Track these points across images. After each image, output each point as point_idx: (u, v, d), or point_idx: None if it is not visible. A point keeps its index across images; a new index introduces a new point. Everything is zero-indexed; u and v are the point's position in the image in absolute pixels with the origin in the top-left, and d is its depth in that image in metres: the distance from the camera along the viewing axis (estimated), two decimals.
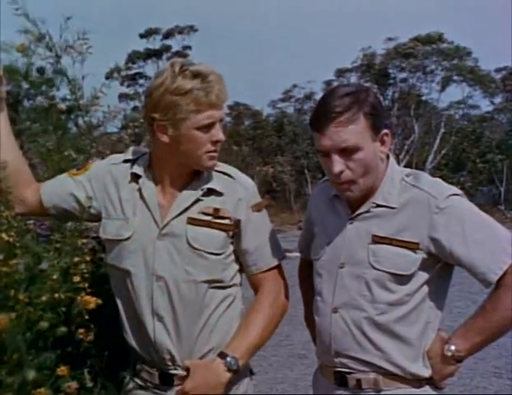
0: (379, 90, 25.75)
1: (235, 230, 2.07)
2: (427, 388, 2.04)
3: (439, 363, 2.01)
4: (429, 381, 2.04)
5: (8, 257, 1.71)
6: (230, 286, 2.08)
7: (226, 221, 2.05)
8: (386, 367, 2.01)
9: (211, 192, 2.07)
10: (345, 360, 2.05)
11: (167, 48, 34.91)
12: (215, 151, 2.02)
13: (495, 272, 1.92)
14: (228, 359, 1.99)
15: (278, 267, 2.17)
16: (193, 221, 2.04)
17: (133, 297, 2.05)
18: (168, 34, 34.53)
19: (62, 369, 1.73)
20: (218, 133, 1.99)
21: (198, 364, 2.02)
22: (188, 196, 2.06)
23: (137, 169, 2.10)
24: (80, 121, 2.95)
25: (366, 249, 2.01)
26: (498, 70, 29.89)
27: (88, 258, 2.02)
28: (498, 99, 30.60)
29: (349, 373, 2.06)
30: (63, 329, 1.82)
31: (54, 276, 1.83)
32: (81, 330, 1.90)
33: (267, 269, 2.13)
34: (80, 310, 1.90)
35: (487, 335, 1.96)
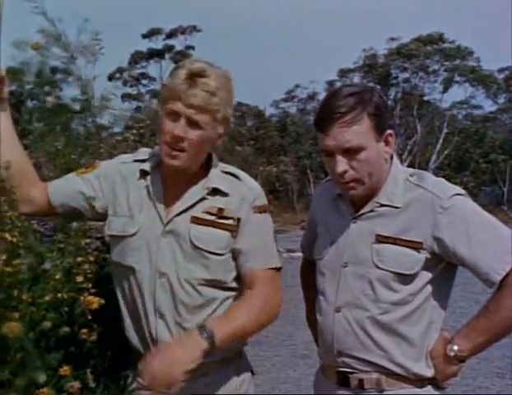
0: (381, 90, 25.73)
1: (237, 230, 2.07)
2: (430, 388, 2.04)
3: (442, 363, 2.00)
4: (431, 381, 2.03)
5: (12, 257, 1.71)
6: (231, 288, 2.08)
7: (230, 221, 2.04)
8: (389, 367, 2.01)
9: (216, 192, 2.06)
10: (347, 360, 2.05)
11: (170, 48, 34.95)
12: (172, 147, 1.99)
13: (499, 272, 1.91)
14: (206, 330, 1.91)
15: (272, 273, 2.09)
16: (196, 220, 2.04)
17: (136, 294, 2.05)
18: (171, 34, 34.56)
19: (65, 369, 1.73)
20: (178, 128, 1.97)
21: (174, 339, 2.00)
22: (193, 194, 2.06)
23: (146, 167, 2.12)
24: (89, 121, 2.96)
25: (370, 249, 2.02)
26: (501, 70, 29.87)
27: (91, 258, 2.02)
28: (501, 100, 30.57)
29: (351, 373, 2.06)
30: (66, 329, 1.82)
31: (57, 276, 1.83)
32: (83, 330, 1.90)
33: (258, 269, 2.07)
34: (83, 310, 1.90)
35: (490, 335, 1.95)
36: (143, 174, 2.12)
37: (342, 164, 1.95)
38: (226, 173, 2.11)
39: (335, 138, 1.94)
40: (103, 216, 2.12)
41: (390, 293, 2.00)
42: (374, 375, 2.02)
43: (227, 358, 2.09)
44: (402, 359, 2.00)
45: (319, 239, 2.18)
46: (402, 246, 1.98)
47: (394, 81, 28.62)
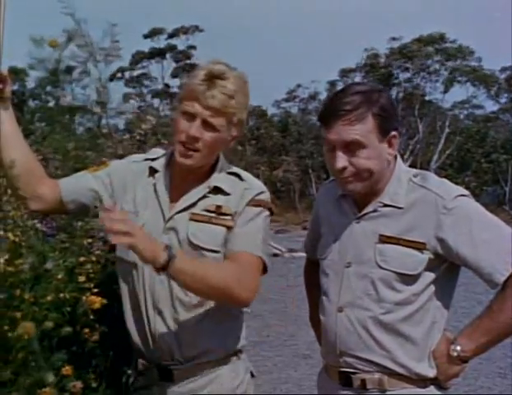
0: None
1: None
2: (432, 388, 2.04)
3: (445, 363, 2.00)
4: (434, 381, 2.03)
5: (14, 256, 1.71)
6: None
7: (228, 218, 2.04)
8: (391, 367, 2.01)
9: (218, 191, 2.07)
10: (350, 360, 2.05)
11: (172, 48, 34.97)
12: (187, 147, 2.00)
13: (502, 273, 1.91)
14: (172, 250, 1.83)
15: (253, 259, 2.01)
16: (194, 217, 2.05)
17: (138, 290, 2.06)
18: (173, 34, 34.59)
19: (67, 369, 1.73)
20: (193, 129, 1.98)
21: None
22: (195, 193, 2.07)
23: (156, 165, 2.15)
24: (103, 122, 2.98)
25: (373, 249, 2.02)
26: (503, 69, 29.85)
27: (94, 258, 2.02)
28: (503, 99, 30.56)
29: (354, 373, 2.06)
30: (68, 329, 1.82)
31: (59, 276, 1.83)
32: (86, 330, 1.90)
33: (239, 251, 2.01)
34: (85, 310, 1.90)
35: (493, 335, 1.95)
36: (152, 171, 2.14)
37: (341, 159, 1.97)
38: (230, 173, 2.12)
39: (337, 133, 1.96)
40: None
41: (393, 293, 2.00)
42: (377, 375, 2.02)
43: (223, 359, 2.09)
44: (404, 359, 2.00)
45: (323, 239, 2.19)
46: (406, 246, 1.98)
47: (396, 81, 28.61)
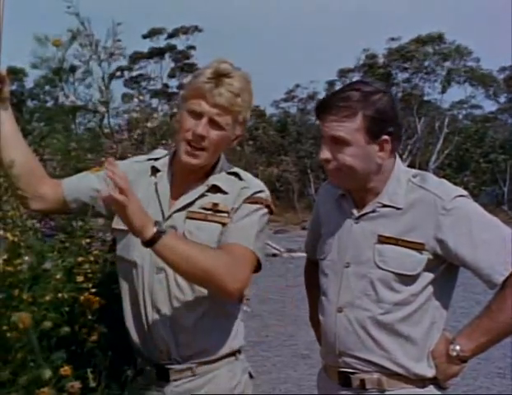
0: None
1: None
2: (431, 388, 2.04)
3: (444, 363, 2.01)
4: (433, 381, 2.04)
5: (13, 256, 1.71)
6: None
7: (224, 215, 2.04)
8: (390, 367, 2.01)
9: (216, 189, 2.07)
10: (349, 360, 2.05)
11: (171, 48, 34.97)
12: (193, 145, 2.01)
13: (501, 273, 1.91)
14: (161, 226, 1.84)
15: (245, 251, 1.98)
16: (191, 215, 2.05)
17: (137, 289, 2.07)
18: (173, 34, 34.60)
19: (66, 369, 1.73)
20: (200, 127, 1.98)
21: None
22: (194, 192, 2.08)
23: (158, 165, 2.16)
24: (104, 122, 2.98)
25: (372, 249, 2.02)
26: (501, 69, 29.88)
27: (92, 258, 2.02)
28: (502, 99, 30.59)
29: (353, 373, 2.06)
30: (67, 329, 1.82)
31: (58, 276, 1.83)
32: (84, 330, 1.90)
33: (231, 243, 1.98)
34: (83, 310, 1.90)
35: (493, 335, 1.95)
36: (154, 171, 2.15)
37: (325, 151, 2.02)
38: (230, 173, 2.12)
39: (327, 126, 2.00)
40: (115, 213, 2.13)
41: (392, 293, 2.00)
42: (376, 375, 2.03)
43: (220, 359, 2.09)
44: (403, 359, 2.00)
45: (322, 239, 2.19)
46: (404, 247, 1.98)
47: (395, 81, 28.63)
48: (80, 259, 1.98)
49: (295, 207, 26.76)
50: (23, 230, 1.82)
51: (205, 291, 2.02)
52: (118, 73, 34.12)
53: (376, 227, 2.03)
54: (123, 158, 2.55)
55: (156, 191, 2.11)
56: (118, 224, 2.11)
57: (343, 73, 30.47)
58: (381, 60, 29.42)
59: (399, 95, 28.01)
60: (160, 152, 2.24)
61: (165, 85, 35.53)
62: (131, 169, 2.15)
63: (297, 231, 20.98)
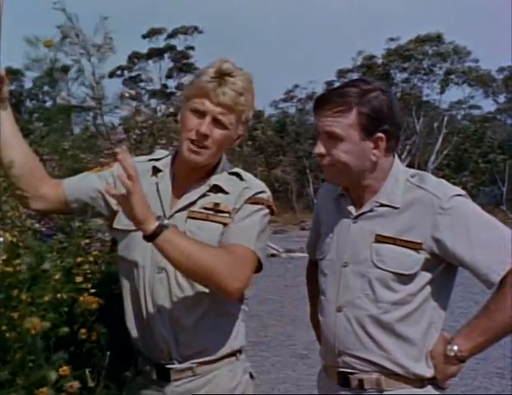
0: None
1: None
2: (430, 388, 2.04)
3: (442, 363, 2.01)
4: (431, 381, 2.04)
5: (12, 257, 1.71)
6: None
7: (225, 215, 2.05)
8: (389, 367, 2.01)
9: (218, 189, 2.08)
10: (348, 359, 2.05)
11: (171, 48, 34.96)
12: (196, 144, 2.01)
13: (498, 273, 1.92)
14: (164, 220, 1.86)
15: (246, 251, 1.99)
16: (192, 214, 2.05)
17: (139, 288, 2.07)
18: (172, 35, 34.60)
19: (65, 369, 1.73)
20: (204, 126, 1.99)
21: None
22: (196, 192, 2.08)
23: (160, 165, 2.16)
24: (97, 121, 2.97)
25: (370, 248, 2.02)
26: (500, 70, 29.90)
27: (91, 259, 2.02)
28: (501, 99, 30.61)
29: (352, 373, 2.06)
30: (65, 329, 1.82)
31: (57, 277, 1.83)
32: (83, 330, 1.90)
33: (233, 243, 1.99)
34: (82, 310, 1.90)
35: (491, 335, 1.95)
36: (156, 171, 2.15)
37: (320, 146, 2.03)
38: (231, 173, 2.12)
39: (322, 121, 2.01)
40: (115, 213, 2.13)
41: (390, 293, 2.00)
42: (374, 375, 2.03)
43: (221, 359, 2.09)
44: (402, 359, 2.00)
45: (321, 239, 2.19)
46: (402, 246, 1.98)
47: (393, 82, 28.64)
48: (79, 260, 1.98)
49: (293, 208, 26.78)
50: (22, 230, 1.82)
51: (206, 291, 2.02)
52: (119, 72, 34.17)
53: (374, 226, 2.03)
54: None
55: (158, 191, 2.11)
56: (119, 224, 2.11)
57: (342, 74, 30.48)
58: (380, 61, 29.43)
59: (398, 95, 28.02)
60: (161, 153, 2.25)
61: (164, 86, 35.52)
62: None
63: (296, 231, 21.00)
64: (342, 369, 2.08)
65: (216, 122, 2.00)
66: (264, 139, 29.55)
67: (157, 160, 2.19)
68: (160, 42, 35.26)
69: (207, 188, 2.08)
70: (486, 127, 30.36)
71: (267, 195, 2.10)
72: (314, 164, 26.87)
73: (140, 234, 1.92)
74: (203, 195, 2.07)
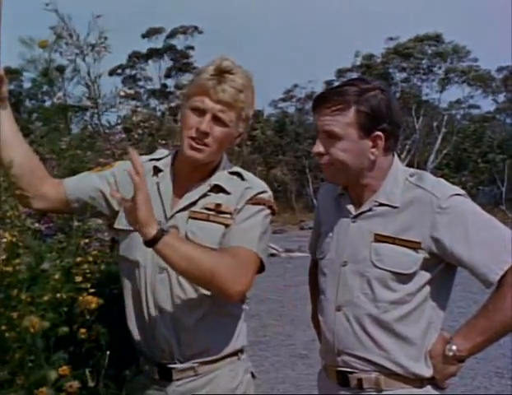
0: None
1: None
2: (429, 388, 2.04)
3: (441, 363, 2.01)
4: (431, 381, 2.04)
5: (11, 256, 1.71)
6: None
7: (226, 216, 2.05)
8: (388, 366, 2.01)
9: (219, 189, 2.08)
10: (347, 359, 2.06)
11: (170, 47, 34.95)
12: (196, 142, 2.01)
13: (496, 272, 1.91)
14: (164, 226, 1.88)
15: (248, 253, 1.99)
16: (193, 215, 2.05)
17: (140, 288, 2.07)
18: (172, 34, 34.59)
19: (64, 369, 1.73)
20: (204, 124, 1.99)
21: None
22: (196, 192, 2.08)
23: (160, 164, 2.16)
24: (94, 120, 2.97)
25: (369, 248, 2.02)
26: (500, 69, 29.91)
27: (90, 258, 2.02)
28: (500, 99, 30.62)
29: (351, 372, 2.06)
30: (65, 329, 1.82)
31: (56, 276, 1.83)
32: (82, 330, 1.90)
33: (235, 246, 1.99)
34: (82, 310, 1.90)
35: (490, 335, 1.95)
36: (156, 171, 2.15)
37: (318, 145, 2.04)
38: (232, 173, 2.12)
39: (320, 120, 2.02)
40: (116, 213, 2.13)
41: (388, 292, 2.00)
42: (373, 375, 2.03)
43: (222, 359, 2.09)
44: (401, 358, 2.00)
45: (321, 238, 2.19)
46: (401, 245, 1.99)
47: (393, 81, 28.64)
48: (78, 259, 1.98)
49: (293, 207, 26.77)
50: (21, 229, 1.82)
51: (207, 291, 2.02)
52: (119, 71, 34.16)
53: (373, 226, 2.04)
54: (120, 159, 2.55)
55: (159, 191, 2.11)
56: (120, 224, 2.11)
57: (341, 73, 30.48)
58: (379, 60, 29.43)
59: (397, 94, 28.02)
60: (162, 152, 2.25)
61: (164, 85, 35.50)
62: None
63: (295, 231, 21.00)
64: (341, 369, 2.08)
65: (217, 119, 2.00)
66: (263, 139, 29.53)
67: (158, 159, 2.19)
68: (159, 42, 35.29)
69: (208, 187, 2.08)
70: (486, 126, 30.36)
71: (269, 195, 2.10)
72: (313, 164, 26.87)
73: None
74: (204, 195, 2.07)
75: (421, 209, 1.98)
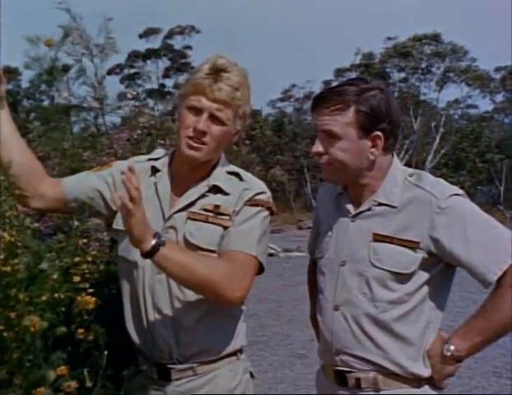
0: None
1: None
2: (427, 388, 2.04)
3: (439, 363, 2.01)
4: (429, 381, 2.04)
5: (10, 256, 1.70)
6: None
7: (225, 218, 2.04)
8: (386, 366, 2.01)
9: (217, 190, 2.08)
10: (345, 358, 2.06)
11: (167, 47, 34.92)
12: (194, 141, 2.01)
13: (495, 272, 1.92)
14: (161, 237, 1.85)
15: (246, 258, 1.99)
16: (192, 215, 2.05)
17: (138, 289, 2.07)
18: (170, 34, 34.59)
19: (62, 369, 1.73)
20: (201, 123, 1.99)
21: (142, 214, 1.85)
22: (195, 192, 2.08)
23: (158, 164, 2.16)
24: (99, 120, 2.97)
25: (367, 247, 2.02)
26: (498, 69, 29.93)
27: (89, 258, 2.02)
28: (498, 99, 30.64)
29: (349, 372, 2.06)
30: (63, 329, 1.81)
31: (55, 276, 1.82)
32: (80, 330, 1.90)
33: (233, 250, 1.99)
34: (80, 310, 1.90)
35: (488, 335, 1.95)
36: (154, 171, 2.15)
37: (317, 145, 2.03)
38: (231, 173, 2.12)
39: (319, 120, 2.02)
40: (114, 213, 2.13)
41: (387, 292, 2.00)
42: (371, 374, 2.03)
43: (221, 358, 2.10)
44: (399, 358, 2.01)
45: (320, 237, 2.19)
46: (399, 245, 1.99)
47: (391, 81, 28.65)
48: (77, 259, 1.97)
49: (291, 207, 26.76)
50: (20, 229, 1.82)
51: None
52: (118, 70, 34.14)
53: (372, 225, 2.04)
54: (122, 158, 2.55)
55: (156, 191, 2.11)
56: (118, 224, 2.11)
57: (340, 73, 30.47)
58: (378, 59, 29.43)
59: (396, 94, 28.01)
60: (160, 152, 2.25)
61: (162, 85, 35.49)
62: None
63: (293, 231, 20.99)
64: (339, 368, 2.08)
65: (214, 118, 2.00)
66: (262, 138, 29.52)
67: (156, 159, 2.19)
68: (157, 41, 35.26)
69: (207, 188, 2.07)
70: (484, 126, 30.37)
71: (267, 196, 2.10)
72: (311, 164, 26.86)
73: None
74: (203, 195, 2.07)
75: (419, 209, 1.98)
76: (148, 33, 34.99)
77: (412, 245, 1.98)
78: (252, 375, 2.20)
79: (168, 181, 2.13)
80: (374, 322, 2.02)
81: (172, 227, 2.05)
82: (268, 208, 2.08)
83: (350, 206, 2.10)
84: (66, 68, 2.82)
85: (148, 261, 2.02)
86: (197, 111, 2.00)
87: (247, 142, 27.05)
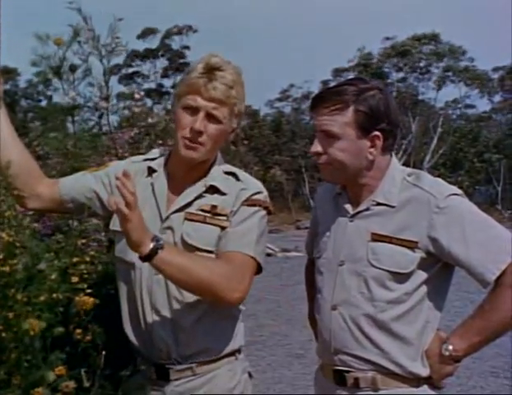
0: None
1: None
2: (425, 388, 2.04)
3: (437, 362, 2.01)
4: (427, 380, 2.04)
5: (8, 256, 1.70)
6: None
7: (222, 218, 2.04)
8: (385, 365, 2.01)
9: (214, 190, 2.07)
10: (343, 358, 2.06)
11: (165, 47, 34.90)
12: (191, 141, 2.01)
13: (493, 272, 1.92)
14: (159, 241, 1.84)
15: (244, 258, 1.99)
16: (189, 216, 2.05)
17: (136, 290, 2.07)
18: (168, 34, 34.57)
19: (60, 369, 1.73)
20: (197, 122, 1.99)
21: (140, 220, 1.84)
22: (191, 192, 2.08)
23: (154, 165, 2.16)
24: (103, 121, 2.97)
25: (366, 247, 2.02)
26: (496, 69, 29.95)
27: (87, 259, 2.02)
28: (496, 99, 30.67)
29: (347, 371, 2.06)
30: (61, 329, 1.81)
31: (53, 276, 1.82)
32: (78, 330, 1.90)
33: (231, 251, 1.99)
34: (78, 310, 1.90)
35: (486, 335, 1.95)
36: (151, 171, 2.15)
37: (316, 145, 2.04)
38: (227, 173, 2.12)
39: (318, 120, 2.02)
40: (111, 213, 2.13)
41: (385, 292, 2.00)
42: (370, 374, 2.03)
43: (220, 359, 2.09)
44: (398, 357, 2.01)
45: (318, 237, 2.19)
46: (398, 245, 1.99)
47: (389, 81, 28.66)
48: (75, 260, 1.97)
49: (289, 207, 26.77)
50: (18, 229, 1.82)
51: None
52: (115, 70, 34.11)
53: (370, 225, 2.04)
54: (121, 158, 2.55)
55: (153, 191, 2.11)
56: (115, 225, 2.11)
57: (338, 73, 30.49)
58: (376, 59, 29.45)
59: (394, 94, 28.03)
60: (156, 152, 2.24)
61: (160, 85, 35.48)
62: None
63: (291, 231, 21.00)
64: (337, 368, 2.08)
65: (210, 117, 2.00)
66: (260, 138, 29.53)
67: (152, 159, 2.18)
68: (155, 41, 35.25)
69: (204, 188, 2.07)
70: (482, 126, 30.42)
71: (264, 195, 2.10)
72: (309, 164, 26.88)
73: None
74: (200, 196, 2.07)
75: (418, 208, 1.98)
76: (146, 33, 34.99)
77: (411, 245, 1.98)
78: (250, 375, 2.20)
79: (165, 181, 2.12)
80: (372, 321, 2.02)
81: (169, 228, 2.04)
82: (265, 208, 2.08)
83: (348, 206, 2.10)
84: (73, 68, 2.81)
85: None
86: (193, 110, 2.00)
87: (245, 142, 27.06)
